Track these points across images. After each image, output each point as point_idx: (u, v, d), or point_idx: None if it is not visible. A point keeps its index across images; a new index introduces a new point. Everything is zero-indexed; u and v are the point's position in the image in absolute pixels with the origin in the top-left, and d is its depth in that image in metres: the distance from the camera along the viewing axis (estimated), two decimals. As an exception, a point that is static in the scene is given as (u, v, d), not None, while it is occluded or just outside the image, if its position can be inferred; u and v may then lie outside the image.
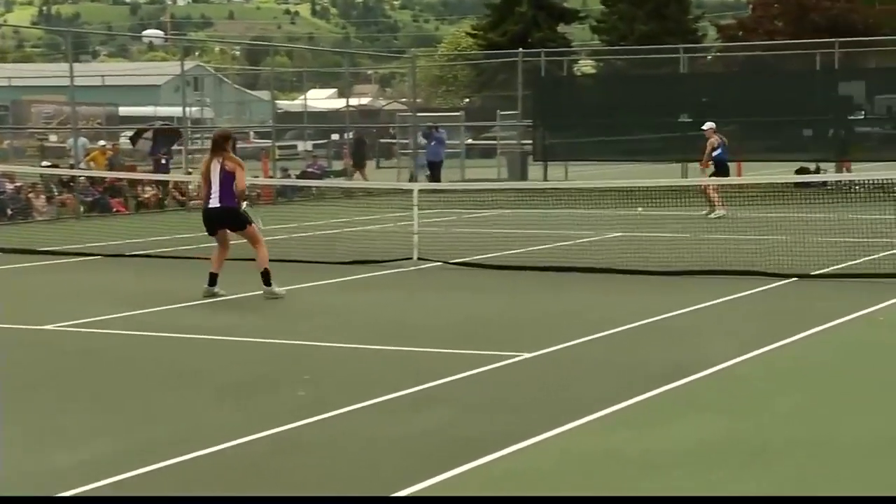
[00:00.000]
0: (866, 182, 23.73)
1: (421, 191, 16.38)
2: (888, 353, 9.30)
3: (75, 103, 26.93)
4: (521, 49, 35.17)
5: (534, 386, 8.26)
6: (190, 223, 20.00)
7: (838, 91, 28.82)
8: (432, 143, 31.14)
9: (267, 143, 33.31)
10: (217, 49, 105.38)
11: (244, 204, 12.79)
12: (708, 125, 22.72)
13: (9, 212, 23.32)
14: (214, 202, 12.44)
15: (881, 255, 14.67)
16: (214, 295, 12.37)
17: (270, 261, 12.41)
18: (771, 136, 28.84)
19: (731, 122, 29.39)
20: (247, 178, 12.84)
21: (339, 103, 51.35)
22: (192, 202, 25.54)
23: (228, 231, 12.67)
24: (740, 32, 53.09)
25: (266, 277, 12.33)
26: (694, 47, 46.66)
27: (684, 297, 11.92)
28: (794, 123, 28.33)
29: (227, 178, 12.36)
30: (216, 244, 12.77)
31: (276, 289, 12.35)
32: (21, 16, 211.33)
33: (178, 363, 9.26)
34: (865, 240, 15.46)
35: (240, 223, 12.57)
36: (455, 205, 21.50)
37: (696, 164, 28.43)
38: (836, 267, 13.69)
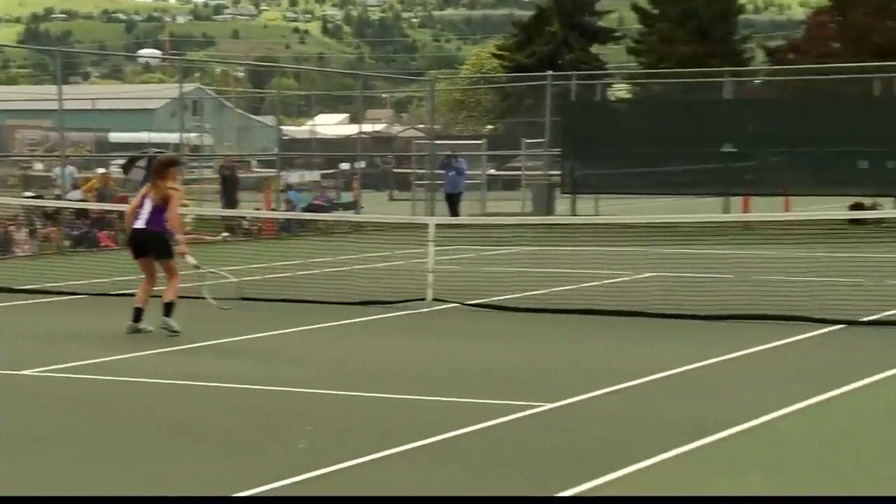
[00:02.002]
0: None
1: (438, 225, 16.47)
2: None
3: (63, 129, 27.20)
4: (550, 72, 35.33)
5: (553, 441, 8.29)
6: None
7: (897, 120, 28.79)
8: (451, 174, 31.27)
9: (271, 172, 33.58)
10: (218, 70, 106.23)
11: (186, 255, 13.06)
12: None
13: (-13, 246, 23.53)
14: (140, 223, 12.95)
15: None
16: (139, 331, 12.76)
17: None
18: (823, 168, 28.81)
19: (779, 152, 29.50)
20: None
21: (351, 130, 51.63)
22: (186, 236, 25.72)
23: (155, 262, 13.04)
24: (792, 55, 53.24)
25: (169, 309, 12.71)
26: (740, 71, 46.82)
27: (721, 344, 11.95)
28: (850, 155, 28.30)
29: (158, 206, 12.89)
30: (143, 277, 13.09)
31: (175, 323, 12.65)
32: (7, 34, 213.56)
33: (164, 412, 9.31)
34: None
35: (165, 252, 12.99)
36: (474, 241, 21.59)
37: (740, 199, 28.51)
38: (890, 313, 13.70)
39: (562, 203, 31.71)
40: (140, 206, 13.14)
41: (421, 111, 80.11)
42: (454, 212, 30.21)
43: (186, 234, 13.66)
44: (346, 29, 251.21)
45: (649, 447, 7.85)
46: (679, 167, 30.93)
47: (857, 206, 26.77)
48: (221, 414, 9.23)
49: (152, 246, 13.01)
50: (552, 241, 20.61)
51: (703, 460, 7.74)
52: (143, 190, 13.39)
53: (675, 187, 31.92)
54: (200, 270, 13.47)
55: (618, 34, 63.61)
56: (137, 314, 12.89)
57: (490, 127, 58.65)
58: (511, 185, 40.38)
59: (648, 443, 8.01)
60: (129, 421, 8.99)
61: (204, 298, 13.50)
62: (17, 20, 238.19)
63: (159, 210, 12.90)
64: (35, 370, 10.93)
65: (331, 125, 63.30)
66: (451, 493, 6.99)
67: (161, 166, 13.26)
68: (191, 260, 13.18)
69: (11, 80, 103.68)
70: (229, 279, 14.27)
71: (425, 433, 8.29)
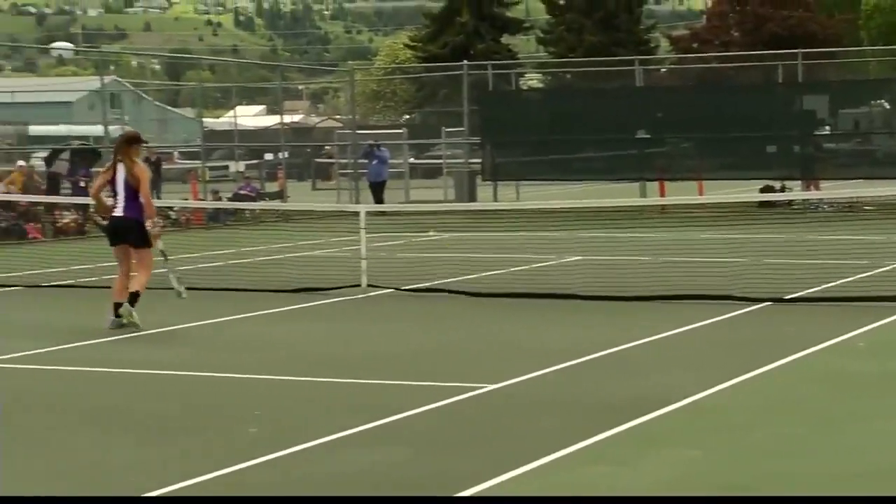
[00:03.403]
0: (834, 201, 24.22)
1: (368, 213, 16.45)
2: (867, 381, 9.49)
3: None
4: (466, 62, 35.36)
5: (496, 420, 8.35)
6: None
7: (802, 105, 29.30)
8: (374, 162, 31.18)
9: (195, 163, 33.21)
10: (134, 63, 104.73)
11: (159, 242, 12.74)
12: None
13: (-85, 240, 23.01)
14: (119, 211, 12.50)
15: (854, 277, 14.96)
16: (123, 326, 12.19)
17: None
18: (732, 152, 29.21)
19: (690, 137, 29.87)
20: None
21: (270, 120, 51.27)
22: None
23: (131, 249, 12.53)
24: (694, 44, 53.90)
25: (135, 299, 12.25)
26: (649, 59, 47.31)
27: (649, 324, 12.06)
28: (757, 139, 28.70)
29: (132, 190, 12.41)
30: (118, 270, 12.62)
31: (136, 316, 12.21)
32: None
33: (109, 401, 9.20)
34: (837, 261, 15.76)
35: (144, 241, 12.45)
36: (402, 228, 21.56)
37: (655, 184, 28.81)
38: (808, 291, 13.93)
39: (483, 190, 31.80)
40: (105, 186, 12.71)
41: (337, 102, 79.79)
42: (379, 200, 30.13)
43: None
44: (259, 21, 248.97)
45: (589, 426, 7.93)
46: (594, 153, 31.18)
47: (766, 189, 27.19)
48: (169, 401, 9.15)
49: (131, 234, 12.48)
50: (479, 228, 20.66)
51: (639, 437, 7.80)
52: (106, 169, 12.88)
53: (592, 173, 32.19)
54: (168, 257, 13.19)
55: (527, 25, 63.92)
56: (118, 308, 12.30)
57: (407, 116, 58.60)
58: (431, 173, 40.35)
59: (588, 422, 8.10)
60: (55, 412, 8.88)
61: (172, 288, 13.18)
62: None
63: (134, 194, 12.34)
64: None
65: (249, 116, 62.75)
66: (400, 474, 7.03)
67: (127, 142, 12.70)
68: (160, 245, 12.89)
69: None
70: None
71: (369, 417, 8.26)
